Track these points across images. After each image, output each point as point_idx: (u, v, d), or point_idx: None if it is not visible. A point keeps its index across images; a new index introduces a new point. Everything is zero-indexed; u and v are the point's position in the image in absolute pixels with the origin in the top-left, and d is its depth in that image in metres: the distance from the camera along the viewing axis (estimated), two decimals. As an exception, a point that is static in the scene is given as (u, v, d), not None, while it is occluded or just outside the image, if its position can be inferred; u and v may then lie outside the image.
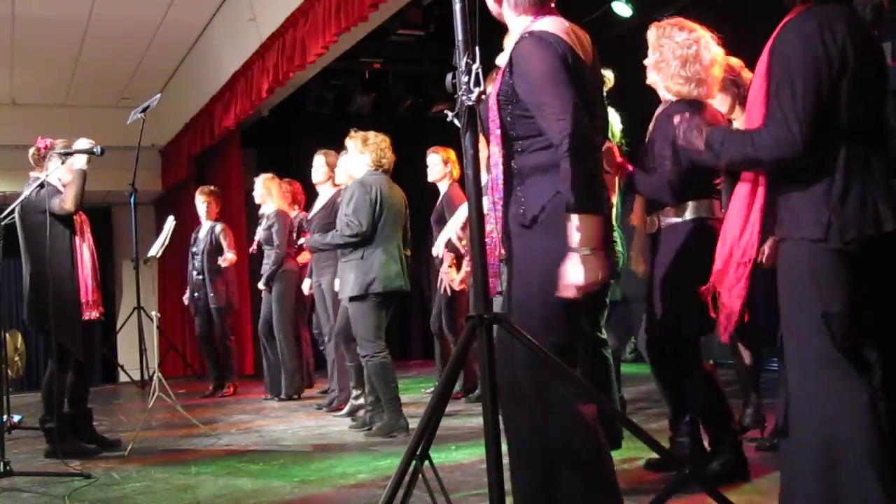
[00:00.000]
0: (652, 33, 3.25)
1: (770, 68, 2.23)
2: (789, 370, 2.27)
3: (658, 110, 3.30)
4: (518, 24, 2.48)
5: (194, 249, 7.49)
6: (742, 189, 2.38)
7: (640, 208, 3.38)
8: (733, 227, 2.38)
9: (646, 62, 3.31)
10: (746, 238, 2.34)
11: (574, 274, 2.24)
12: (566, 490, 2.31)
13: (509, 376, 2.30)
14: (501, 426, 2.20)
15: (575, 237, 2.23)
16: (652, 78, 3.32)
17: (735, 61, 3.55)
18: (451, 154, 6.09)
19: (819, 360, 2.18)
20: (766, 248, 2.45)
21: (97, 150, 4.43)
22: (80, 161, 4.54)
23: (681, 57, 3.14)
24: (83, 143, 4.52)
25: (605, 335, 3.77)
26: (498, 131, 2.38)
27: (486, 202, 2.54)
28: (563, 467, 2.31)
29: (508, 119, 2.37)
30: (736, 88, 3.53)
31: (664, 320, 3.21)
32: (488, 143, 2.47)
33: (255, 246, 6.85)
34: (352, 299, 4.70)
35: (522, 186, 2.37)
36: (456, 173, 6.08)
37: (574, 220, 2.23)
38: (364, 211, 4.66)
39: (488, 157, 2.47)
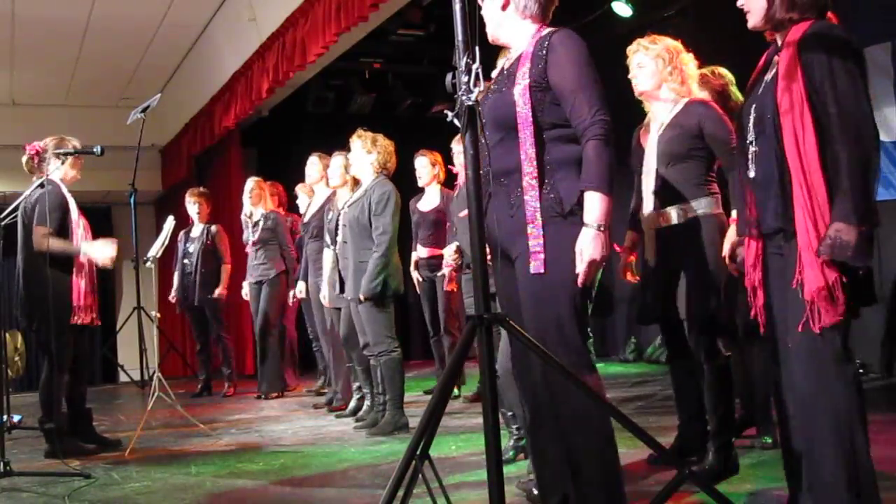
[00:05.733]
0: (654, 47, 3.33)
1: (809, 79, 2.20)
2: (798, 364, 2.25)
3: (677, 109, 3.32)
4: (523, 28, 2.54)
5: (190, 249, 7.49)
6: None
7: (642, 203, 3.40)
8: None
9: (641, 73, 3.33)
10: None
11: (591, 248, 2.33)
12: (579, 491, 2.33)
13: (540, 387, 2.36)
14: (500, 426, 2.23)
15: (592, 214, 2.34)
16: (648, 85, 3.33)
17: (725, 72, 3.62)
18: (438, 156, 6.10)
19: (835, 353, 2.18)
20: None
21: (97, 150, 4.43)
22: (93, 252, 4.58)
23: (679, 62, 3.30)
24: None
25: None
26: (530, 119, 2.40)
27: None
28: (580, 465, 2.35)
29: (540, 107, 2.42)
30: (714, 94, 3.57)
31: (706, 312, 3.24)
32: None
33: (249, 247, 6.88)
34: (367, 300, 4.71)
35: (553, 178, 2.41)
36: (442, 175, 6.10)
37: (593, 197, 2.34)
38: (394, 221, 4.74)
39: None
